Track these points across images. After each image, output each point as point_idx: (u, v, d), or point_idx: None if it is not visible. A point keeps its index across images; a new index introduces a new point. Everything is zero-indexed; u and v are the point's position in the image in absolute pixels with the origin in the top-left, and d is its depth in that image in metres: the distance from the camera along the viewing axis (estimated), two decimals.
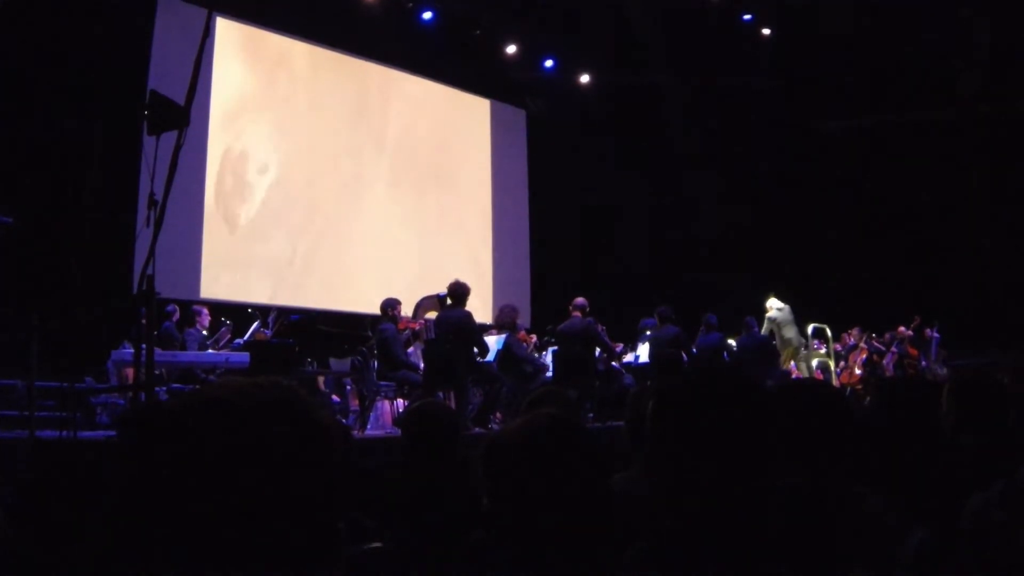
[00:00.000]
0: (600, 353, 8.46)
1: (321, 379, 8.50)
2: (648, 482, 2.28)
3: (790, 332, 10.55)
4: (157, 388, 5.75)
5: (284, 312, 9.08)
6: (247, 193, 10.18)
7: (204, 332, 8.05)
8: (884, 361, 11.27)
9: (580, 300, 8.22)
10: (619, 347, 9.71)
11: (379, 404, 8.13)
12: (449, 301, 7.34)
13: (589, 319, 8.16)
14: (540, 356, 8.96)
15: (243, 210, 10.08)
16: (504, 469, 1.33)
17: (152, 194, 4.32)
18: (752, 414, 1.33)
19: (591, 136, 13.22)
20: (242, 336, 8.22)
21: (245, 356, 6.95)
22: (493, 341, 7.65)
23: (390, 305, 7.57)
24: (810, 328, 10.80)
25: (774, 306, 10.67)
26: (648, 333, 9.04)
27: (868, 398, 9.83)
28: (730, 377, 1.43)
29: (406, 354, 7.62)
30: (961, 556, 1.52)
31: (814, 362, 10.88)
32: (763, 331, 10.39)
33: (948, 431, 2.33)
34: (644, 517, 1.63)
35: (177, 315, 7.97)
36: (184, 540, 0.79)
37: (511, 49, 12.53)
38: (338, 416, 7.74)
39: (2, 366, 6.15)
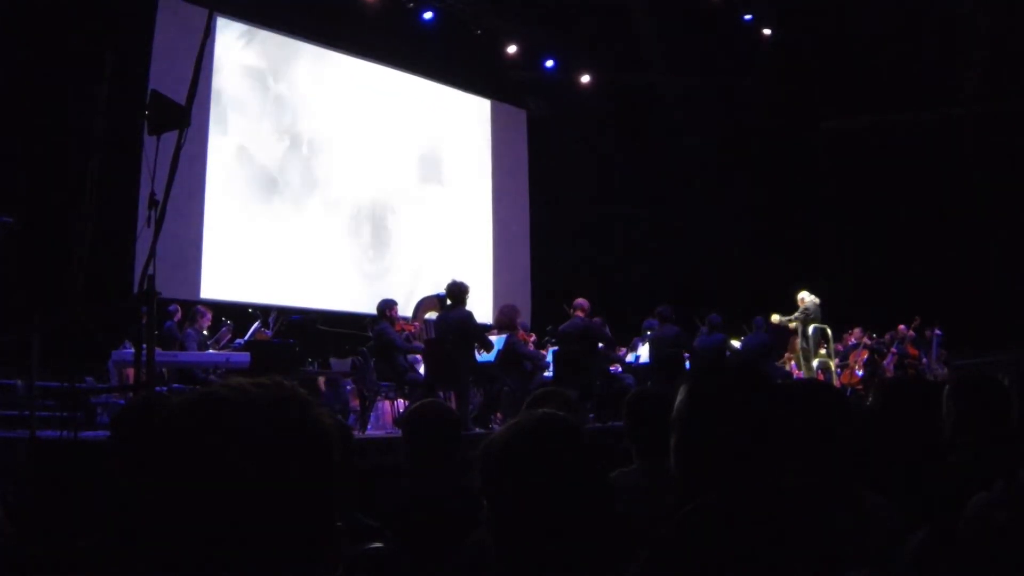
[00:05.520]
0: (602, 347, 8.45)
1: (321, 380, 8.48)
2: (653, 476, 2.28)
3: (813, 330, 10.34)
4: (158, 388, 5.74)
5: (285, 312, 9.07)
6: (247, 193, 10.18)
7: (205, 332, 8.04)
8: (885, 361, 11.25)
9: (582, 301, 8.21)
10: (622, 351, 9.69)
11: (379, 404, 8.11)
12: (448, 301, 7.32)
13: (591, 319, 8.15)
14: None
15: (244, 210, 10.08)
16: (499, 470, 1.33)
17: (153, 194, 4.34)
18: (776, 412, 1.35)
19: (591, 136, 13.21)
20: (243, 336, 8.21)
21: (246, 356, 6.93)
22: (494, 341, 7.64)
23: (387, 306, 7.55)
24: (811, 328, 10.77)
25: (810, 299, 10.27)
26: (649, 333, 9.04)
27: (869, 398, 9.79)
28: (758, 374, 1.44)
29: (404, 355, 7.59)
30: (961, 556, 1.52)
31: (814, 362, 10.85)
32: (794, 318, 10.19)
33: (948, 431, 2.33)
34: (641, 510, 1.63)
35: (179, 315, 7.95)
36: (183, 539, 0.79)
37: (511, 49, 12.53)
38: (338, 415, 7.72)
39: (2, 366, 6.15)
